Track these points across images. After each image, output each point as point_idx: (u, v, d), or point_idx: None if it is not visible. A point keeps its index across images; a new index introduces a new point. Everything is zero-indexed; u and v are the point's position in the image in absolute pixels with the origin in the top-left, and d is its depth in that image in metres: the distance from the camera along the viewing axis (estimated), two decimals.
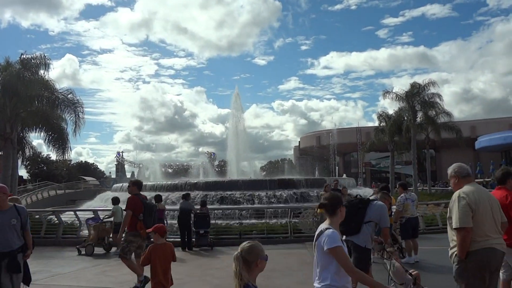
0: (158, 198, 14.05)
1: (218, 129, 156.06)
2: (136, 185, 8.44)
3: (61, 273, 10.23)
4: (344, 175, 53.50)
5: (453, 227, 4.35)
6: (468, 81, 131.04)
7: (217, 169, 67.94)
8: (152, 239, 6.29)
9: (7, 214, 5.68)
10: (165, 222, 13.74)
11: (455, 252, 4.38)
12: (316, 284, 3.65)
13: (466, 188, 4.50)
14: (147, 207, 8.20)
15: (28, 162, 63.82)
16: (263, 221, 16.71)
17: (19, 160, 27.03)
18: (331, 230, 3.62)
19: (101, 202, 26.68)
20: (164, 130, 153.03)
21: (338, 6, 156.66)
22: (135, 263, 8.13)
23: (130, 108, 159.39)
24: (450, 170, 4.89)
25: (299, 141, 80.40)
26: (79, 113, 22.07)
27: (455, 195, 4.47)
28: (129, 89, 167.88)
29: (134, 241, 8.03)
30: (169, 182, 24.50)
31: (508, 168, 5.90)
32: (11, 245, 5.52)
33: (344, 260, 3.49)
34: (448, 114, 36.03)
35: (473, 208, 4.30)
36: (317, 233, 3.78)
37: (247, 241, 3.03)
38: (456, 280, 4.44)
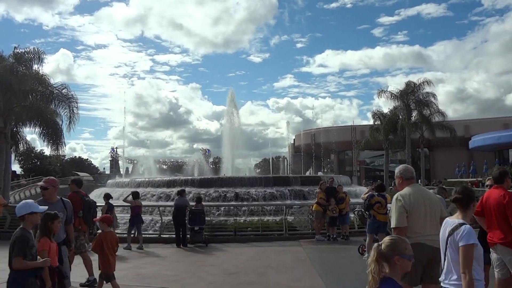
0: (135, 195, 14.11)
1: (213, 126, 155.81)
2: (75, 183, 8.66)
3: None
4: (320, 173, 53.35)
5: (391, 226, 5.00)
6: (462, 81, 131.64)
7: (211, 166, 67.80)
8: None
9: (55, 207, 5.74)
10: (141, 217, 14.02)
11: None
12: (449, 280, 3.72)
13: (404, 190, 5.02)
14: (86, 204, 8.45)
15: (21, 157, 63.48)
16: (258, 218, 16.69)
17: (12, 155, 26.89)
18: (468, 226, 3.64)
19: (96, 198, 26.53)
20: (159, 127, 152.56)
21: (334, 4, 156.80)
22: (91, 262, 8.25)
23: (124, 104, 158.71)
24: (396, 171, 5.34)
25: (294, 139, 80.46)
26: (74, 108, 22.01)
27: (394, 197, 5.01)
28: (123, 85, 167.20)
29: (79, 236, 8.16)
30: (164, 178, 24.41)
31: (504, 167, 5.94)
32: (56, 238, 5.48)
33: (470, 260, 3.53)
34: (442, 113, 36.19)
35: (407, 210, 4.81)
36: (450, 227, 3.77)
37: (391, 236, 2.95)
38: None
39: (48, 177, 6.45)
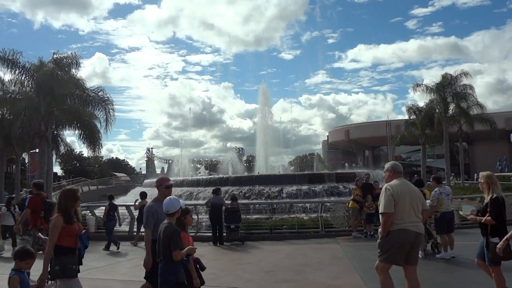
0: (142, 195, 14.49)
1: (246, 124, 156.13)
2: (35, 186, 9.23)
3: (96, 267, 10.43)
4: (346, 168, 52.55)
5: (380, 211, 5.66)
6: (502, 71, 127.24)
7: (245, 164, 68.03)
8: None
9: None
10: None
11: (380, 230, 5.68)
12: None
13: (393, 182, 5.75)
14: (48, 205, 8.85)
15: (62, 159, 65.52)
16: (293, 215, 16.63)
17: (53, 157, 27.79)
18: None
19: (134, 198, 27.12)
20: (193, 126, 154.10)
21: None
22: None
23: (158, 104, 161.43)
24: (387, 165, 6.08)
25: (327, 135, 79.75)
26: (110, 110, 22.45)
27: (384, 187, 5.76)
28: (157, 86, 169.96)
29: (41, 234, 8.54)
30: (199, 177, 24.70)
31: None
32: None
33: None
34: (481, 106, 35.01)
35: (395, 198, 5.51)
36: None
37: None
38: (378, 248, 5.74)
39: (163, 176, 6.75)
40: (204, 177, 25.02)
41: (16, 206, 14.27)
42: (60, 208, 5.28)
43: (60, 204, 5.31)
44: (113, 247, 13.26)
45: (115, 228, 14.33)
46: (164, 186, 6.04)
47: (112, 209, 13.82)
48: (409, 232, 5.50)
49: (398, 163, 6.18)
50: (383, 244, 5.64)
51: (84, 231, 5.44)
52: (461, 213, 7.74)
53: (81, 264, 5.41)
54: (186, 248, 4.94)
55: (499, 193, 5.87)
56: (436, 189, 10.26)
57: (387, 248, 5.60)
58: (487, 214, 5.88)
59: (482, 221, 5.93)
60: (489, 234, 5.80)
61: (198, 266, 5.64)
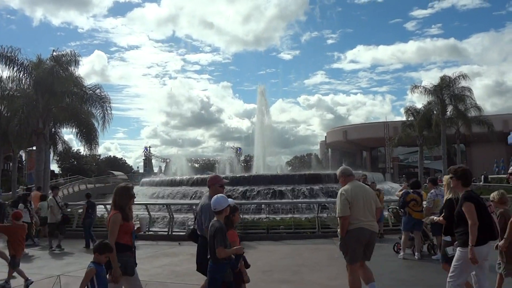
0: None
1: (244, 124, 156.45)
2: None
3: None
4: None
5: (336, 215, 6.26)
6: (501, 74, 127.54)
7: (243, 164, 68.06)
8: None
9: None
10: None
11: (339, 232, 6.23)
12: None
13: (346, 186, 6.24)
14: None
15: (59, 157, 65.43)
16: (290, 216, 16.62)
17: (51, 155, 27.73)
18: None
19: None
20: (191, 125, 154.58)
21: None
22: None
23: (157, 103, 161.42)
24: (338, 171, 6.60)
25: (325, 136, 79.81)
26: (107, 108, 22.43)
27: (339, 192, 6.26)
28: (156, 85, 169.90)
29: None
30: (196, 177, 24.64)
31: None
32: None
33: None
34: (478, 108, 35.12)
35: (350, 201, 6.02)
36: None
37: None
38: (340, 250, 6.31)
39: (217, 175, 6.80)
40: (202, 176, 24.93)
41: (31, 202, 14.15)
42: (115, 205, 5.29)
43: (115, 201, 5.32)
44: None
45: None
46: (218, 184, 6.07)
47: (90, 207, 14.01)
48: (365, 230, 6.05)
49: (347, 167, 6.74)
50: (343, 245, 6.19)
51: (135, 228, 5.48)
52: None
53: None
54: (233, 248, 4.98)
55: (457, 195, 5.93)
56: (432, 191, 10.28)
57: (348, 248, 6.12)
58: (442, 214, 6.37)
59: (436, 221, 6.61)
60: (443, 233, 6.13)
61: (243, 262, 5.69)
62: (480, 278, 5.44)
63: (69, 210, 18.00)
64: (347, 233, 6.05)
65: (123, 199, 5.33)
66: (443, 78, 34.36)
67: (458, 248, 5.32)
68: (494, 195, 6.46)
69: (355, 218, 6.00)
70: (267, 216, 16.54)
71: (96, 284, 4.87)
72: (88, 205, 14.01)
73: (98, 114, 22.64)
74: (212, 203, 5.14)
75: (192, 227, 6.78)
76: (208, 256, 5.04)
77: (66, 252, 12.47)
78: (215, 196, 5.25)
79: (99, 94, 22.40)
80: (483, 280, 5.43)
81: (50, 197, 13.46)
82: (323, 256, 10.88)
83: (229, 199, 5.30)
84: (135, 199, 5.54)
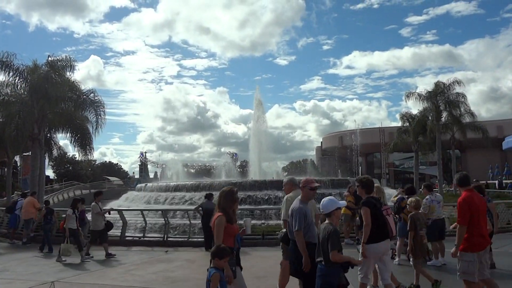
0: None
1: (240, 129, 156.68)
2: None
3: (88, 269, 10.41)
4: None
5: (282, 219, 7.03)
6: (496, 80, 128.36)
7: (239, 169, 67.98)
8: None
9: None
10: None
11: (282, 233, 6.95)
12: None
13: (291, 193, 6.95)
14: None
15: (54, 162, 65.17)
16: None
17: (46, 160, 27.61)
18: None
19: (126, 202, 27.02)
20: (187, 131, 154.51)
21: (360, 5, 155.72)
22: None
23: (153, 108, 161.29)
24: (286, 180, 7.42)
25: (321, 142, 79.96)
26: (101, 112, 22.35)
27: (285, 198, 7.08)
28: (151, 90, 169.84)
29: None
30: (191, 182, 24.63)
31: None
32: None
33: None
34: (472, 114, 35.33)
35: None
36: None
37: None
38: (281, 243, 7.00)
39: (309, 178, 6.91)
40: (201, 181, 24.95)
41: (78, 209, 13.34)
42: (220, 207, 5.35)
43: (219, 204, 5.39)
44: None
45: (109, 233, 14.25)
46: (308, 187, 6.23)
47: (48, 213, 14.38)
48: None
49: (294, 177, 7.53)
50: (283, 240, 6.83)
51: (240, 231, 5.54)
52: None
53: (240, 264, 5.55)
54: (347, 257, 5.00)
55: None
56: (427, 197, 10.34)
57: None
58: None
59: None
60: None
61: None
62: (382, 270, 6.31)
63: (63, 216, 18.02)
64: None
65: (228, 201, 5.40)
66: (437, 85, 34.53)
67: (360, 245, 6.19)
68: (411, 200, 8.65)
69: None
70: (263, 222, 16.53)
71: None
72: (47, 212, 14.45)
73: (92, 118, 22.59)
74: (321, 206, 5.24)
75: (284, 230, 6.90)
76: (318, 259, 5.07)
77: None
78: (324, 199, 5.31)
79: (92, 98, 22.35)
80: (383, 272, 6.28)
81: (94, 203, 12.93)
82: None
83: (340, 202, 5.37)
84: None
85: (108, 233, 13.26)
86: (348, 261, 4.99)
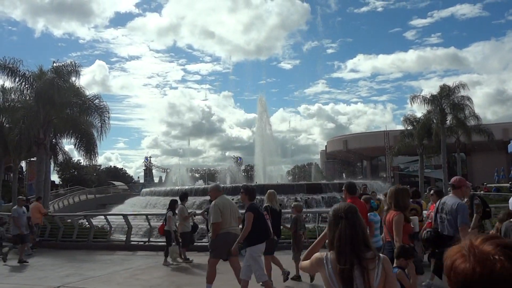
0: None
1: (245, 134, 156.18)
2: None
3: (93, 276, 10.42)
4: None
5: (210, 222, 7.75)
6: (502, 82, 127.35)
7: (243, 173, 67.97)
8: None
9: None
10: None
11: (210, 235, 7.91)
12: None
13: (218, 199, 7.77)
14: None
15: (59, 167, 65.39)
16: (288, 225, 16.55)
17: (51, 165, 27.75)
18: None
19: (130, 207, 27.09)
20: (192, 135, 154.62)
21: (364, 8, 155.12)
22: None
23: (157, 113, 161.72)
24: (210, 187, 8.57)
25: (325, 145, 79.84)
26: (105, 118, 22.49)
27: (212, 203, 7.78)
28: (156, 95, 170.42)
29: None
30: (196, 187, 24.68)
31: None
32: None
33: None
34: (477, 117, 35.20)
35: (221, 210, 7.58)
36: None
37: None
38: (209, 247, 7.91)
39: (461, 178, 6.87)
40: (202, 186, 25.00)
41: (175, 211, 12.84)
42: (397, 206, 5.31)
43: (397, 202, 5.35)
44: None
45: (111, 237, 14.28)
46: (465, 186, 6.25)
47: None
48: (231, 234, 7.59)
49: (219, 184, 8.82)
50: (212, 244, 7.76)
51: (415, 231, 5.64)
52: None
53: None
54: None
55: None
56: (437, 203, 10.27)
57: (215, 246, 7.67)
58: None
59: None
60: None
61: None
62: (254, 269, 7.27)
63: (69, 221, 18.06)
64: (217, 235, 7.57)
65: (405, 200, 5.40)
66: (442, 88, 34.43)
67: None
68: (294, 204, 10.73)
69: (224, 224, 7.56)
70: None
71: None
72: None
73: (97, 123, 22.73)
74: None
75: (429, 229, 6.25)
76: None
77: (65, 264, 12.43)
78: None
79: (97, 104, 22.50)
80: (253, 270, 7.28)
81: (180, 205, 12.55)
82: None
83: None
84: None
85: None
86: None
